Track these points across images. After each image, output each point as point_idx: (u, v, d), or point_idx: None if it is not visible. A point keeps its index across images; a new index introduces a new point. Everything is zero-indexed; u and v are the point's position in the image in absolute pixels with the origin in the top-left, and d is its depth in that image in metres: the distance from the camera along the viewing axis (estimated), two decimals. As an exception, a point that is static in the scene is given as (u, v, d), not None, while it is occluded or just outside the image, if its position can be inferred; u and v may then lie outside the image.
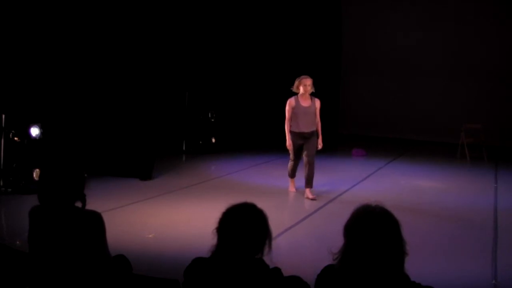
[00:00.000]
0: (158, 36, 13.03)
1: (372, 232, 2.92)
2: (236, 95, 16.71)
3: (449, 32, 18.21)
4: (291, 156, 10.37)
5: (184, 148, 14.88)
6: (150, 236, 7.72)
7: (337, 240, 3.08)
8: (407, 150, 16.77)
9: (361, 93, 19.26)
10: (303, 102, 10.13)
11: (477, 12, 17.99)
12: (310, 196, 10.11)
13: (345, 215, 3.11)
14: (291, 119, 10.11)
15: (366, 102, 19.16)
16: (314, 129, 10.19)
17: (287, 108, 10.13)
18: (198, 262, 3.39)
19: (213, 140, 15.06)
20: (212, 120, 15.12)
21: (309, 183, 10.17)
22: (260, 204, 3.42)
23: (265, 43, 17.47)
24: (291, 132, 10.14)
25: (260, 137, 16.71)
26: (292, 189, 10.73)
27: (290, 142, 10.16)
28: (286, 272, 3.45)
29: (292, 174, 10.62)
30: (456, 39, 18.14)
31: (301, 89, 10.09)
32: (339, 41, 19.28)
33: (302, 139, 10.14)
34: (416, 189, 11.66)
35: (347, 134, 18.97)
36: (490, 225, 8.90)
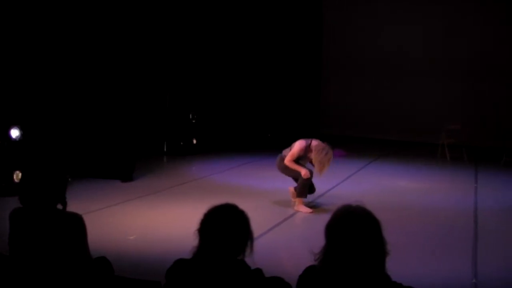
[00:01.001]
0: (139, 38, 13.01)
1: (353, 232, 2.94)
2: (217, 96, 16.71)
3: (430, 32, 18.30)
4: (304, 171, 9.34)
5: (165, 149, 14.84)
6: (131, 237, 7.71)
7: (319, 241, 3.09)
8: (388, 150, 16.83)
9: (342, 93, 19.29)
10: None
11: (458, 13, 18.09)
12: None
13: (327, 215, 3.11)
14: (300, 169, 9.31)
15: (347, 103, 19.20)
16: None
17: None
18: (180, 264, 3.39)
19: (194, 141, 15.04)
20: (193, 121, 15.10)
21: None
22: (242, 205, 3.43)
23: (246, 44, 17.48)
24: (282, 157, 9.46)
25: (241, 138, 16.72)
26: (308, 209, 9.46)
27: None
28: (268, 273, 3.45)
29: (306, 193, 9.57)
30: (437, 40, 18.23)
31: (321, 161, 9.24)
32: (320, 41, 19.32)
33: None
34: (396, 189, 11.70)
35: (328, 134, 18.97)
36: (470, 225, 8.96)
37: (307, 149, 9.30)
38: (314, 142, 9.32)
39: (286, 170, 9.52)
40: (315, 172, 9.29)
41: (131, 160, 11.51)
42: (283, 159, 9.44)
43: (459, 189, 11.94)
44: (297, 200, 9.46)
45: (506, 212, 9.96)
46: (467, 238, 8.23)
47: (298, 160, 9.40)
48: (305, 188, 9.42)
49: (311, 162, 9.44)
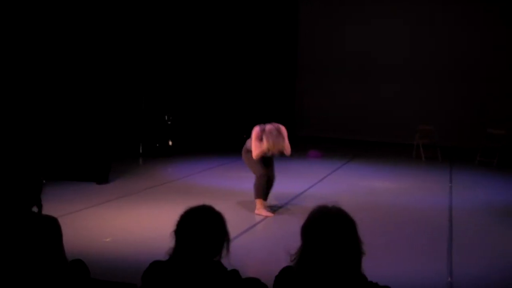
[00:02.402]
0: (114, 39, 12.95)
1: (329, 233, 2.94)
2: (192, 98, 16.69)
3: (402, 34, 18.41)
4: (260, 170, 9.30)
5: (141, 151, 14.77)
6: (107, 240, 7.68)
7: (295, 242, 3.10)
8: (363, 151, 16.90)
9: (317, 95, 19.33)
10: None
11: (430, 14, 18.21)
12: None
13: (302, 216, 3.13)
14: (257, 151, 9.10)
15: (321, 104, 19.25)
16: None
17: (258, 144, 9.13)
18: (156, 266, 3.38)
19: (170, 143, 14.99)
20: (169, 122, 15.07)
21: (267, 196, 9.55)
22: (218, 206, 3.43)
23: (221, 47, 17.48)
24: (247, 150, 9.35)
25: (217, 139, 16.72)
26: (266, 213, 9.35)
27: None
28: (244, 274, 3.46)
29: (262, 193, 9.40)
30: (410, 41, 18.35)
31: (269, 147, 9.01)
32: (295, 44, 19.36)
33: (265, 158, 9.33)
34: (372, 189, 11.76)
35: (303, 136, 19.03)
36: (445, 224, 9.04)
37: (263, 133, 9.02)
38: (268, 126, 9.09)
39: (247, 164, 9.47)
40: (266, 148, 8.98)
41: (106, 162, 11.45)
42: (246, 150, 9.34)
43: (434, 189, 12.02)
44: (256, 202, 9.32)
45: (480, 212, 10.05)
46: (442, 238, 8.30)
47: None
48: (259, 188, 9.26)
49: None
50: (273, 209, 9.61)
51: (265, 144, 8.92)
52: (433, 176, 13.43)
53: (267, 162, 9.38)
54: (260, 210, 9.25)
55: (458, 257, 7.38)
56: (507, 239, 8.49)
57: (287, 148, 9.21)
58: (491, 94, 17.68)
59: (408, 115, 17.99)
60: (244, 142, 9.44)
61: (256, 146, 9.03)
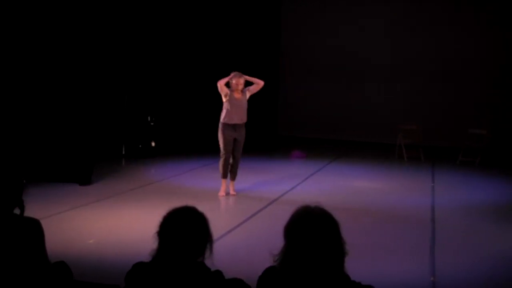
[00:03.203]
0: (96, 40, 12.92)
1: (312, 233, 2.95)
2: (175, 99, 16.66)
3: (386, 34, 18.47)
4: (222, 150, 10.57)
5: (123, 152, 14.74)
6: (90, 241, 7.66)
7: (278, 242, 3.10)
8: (346, 151, 16.94)
9: (300, 95, 19.35)
10: (235, 94, 10.54)
11: (412, 13, 18.29)
12: (233, 192, 10.79)
13: (285, 216, 3.13)
14: (224, 111, 10.55)
15: (304, 104, 19.28)
16: (245, 121, 10.66)
17: (223, 82, 10.57)
18: (139, 267, 3.38)
19: (153, 144, 14.96)
20: (152, 124, 15.04)
21: (234, 177, 10.84)
22: (201, 207, 3.43)
23: (204, 47, 17.46)
24: (224, 124, 10.52)
25: (200, 140, 16.69)
26: (223, 192, 10.75)
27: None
28: (228, 274, 3.46)
29: (225, 173, 10.71)
30: (392, 41, 18.41)
31: (233, 86, 10.53)
32: (278, 43, 19.37)
33: (234, 131, 10.54)
34: (355, 189, 11.79)
35: (286, 136, 19.06)
36: (428, 224, 9.08)
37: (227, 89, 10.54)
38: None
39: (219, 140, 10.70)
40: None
41: (89, 163, 11.41)
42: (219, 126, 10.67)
43: (416, 188, 12.08)
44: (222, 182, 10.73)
45: (462, 211, 10.11)
46: (425, 237, 8.34)
47: (231, 111, 10.47)
48: (220, 168, 10.68)
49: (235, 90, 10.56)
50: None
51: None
52: (415, 176, 13.48)
53: (233, 144, 10.62)
54: (221, 189, 10.74)
55: (440, 256, 7.42)
56: (489, 238, 8.54)
57: (255, 80, 10.76)
58: (473, 95, 17.78)
59: (391, 115, 18.04)
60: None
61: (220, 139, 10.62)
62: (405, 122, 16.34)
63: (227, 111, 10.48)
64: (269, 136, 18.55)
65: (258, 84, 10.76)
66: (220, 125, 10.57)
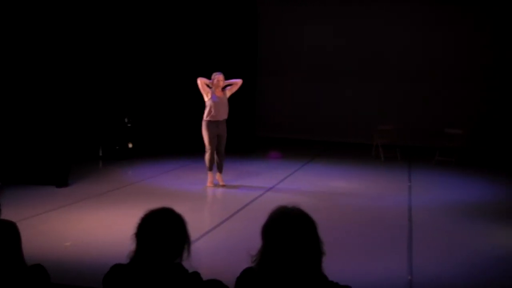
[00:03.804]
0: (72, 41, 12.85)
1: (289, 233, 2.95)
2: (152, 100, 16.62)
3: (363, 34, 18.52)
4: (207, 145, 11.35)
5: (100, 154, 14.68)
6: (67, 244, 7.62)
7: (256, 243, 3.11)
8: (323, 151, 16.98)
9: (277, 96, 19.36)
10: (217, 93, 11.34)
11: (389, 14, 18.36)
12: (222, 183, 11.59)
13: (263, 217, 3.14)
14: (206, 109, 11.31)
15: (281, 105, 19.29)
16: (226, 117, 11.52)
17: (204, 82, 11.38)
18: (116, 269, 3.37)
19: (130, 145, 14.92)
20: (129, 125, 14.99)
21: (221, 170, 11.64)
22: (178, 208, 3.43)
23: (180, 47, 17.43)
24: (207, 121, 11.30)
25: (177, 141, 16.67)
26: (210, 184, 11.56)
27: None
28: (206, 276, 3.46)
29: (211, 166, 11.48)
30: (369, 41, 18.47)
31: (214, 83, 11.34)
32: (254, 44, 19.36)
33: (217, 127, 11.34)
34: (332, 189, 11.83)
35: (263, 137, 19.06)
36: (405, 223, 9.14)
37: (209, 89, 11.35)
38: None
39: (203, 136, 11.45)
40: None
41: (66, 165, 11.36)
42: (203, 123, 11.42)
43: (393, 188, 12.14)
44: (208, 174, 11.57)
45: (439, 210, 10.18)
46: (402, 236, 8.39)
47: (213, 109, 11.24)
48: (206, 161, 11.45)
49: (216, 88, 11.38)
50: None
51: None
52: (392, 175, 13.55)
53: (217, 139, 11.42)
54: (208, 181, 11.53)
55: (417, 255, 7.47)
56: (465, 236, 8.61)
57: (232, 81, 11.58)
58: (449, 95, 17.89)
59: (367, 116, 18.10)
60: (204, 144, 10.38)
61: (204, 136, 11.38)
62: (381, 122, 16.44)
63: (210, 109, 11.25)
64: (246, 137, 18.53)
65: (236, 84, 11.58)
66: (204, 123, 11.32)
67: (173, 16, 17.15)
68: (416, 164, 15.01)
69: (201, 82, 11.34)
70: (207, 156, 11.41)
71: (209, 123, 11.30)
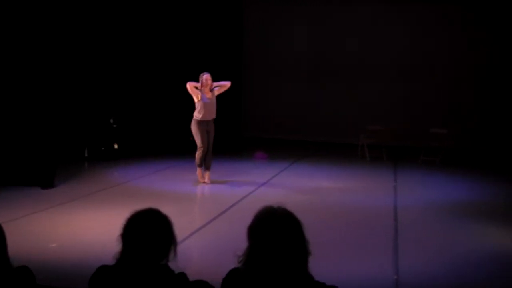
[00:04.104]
0: (57, 41, 12.82)
1: (275, 234, 2.95)
2: (137, 100, 16.59)
3: (349, 35, 18.55)
4: (199, 143, 11.68)
5: (86, 155, 14.63)
6: (53, 245, 7.59)
7: (242, 243, 3.11)
8: (309, 152, 17.00)
9: (263, 96, 19.38)
10: (206, 94, 11.63)
11: (375, 15, 18.40)
12: (208, 181, 11.95)
13: (249, 217, 3.14)
14: (197, 110, 11.65)
15: (268, 105, 19.30)
16: (214, 117, 11.87)
17: (193, 85, 11.66)
18: (102, 270, 3.36)
19: (116, 146, 14.88)
20: (114, 125, 14.95)
21: (209, 167, 11.95)
22: (165, 209, 3.42)
23: (167, 48, 17.41)
24: (198, 121, 11.65)
25: (163, 142, 16.65)
26: (202, 179, 11.95)
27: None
28: (192, 276, 3.46)
29: (201, 162, 11.82)
30: (355, 42, 18.50)
31: (203, 84, 11.63)
32: (240, 44, 19.37)
33: (207, 126, 11.74)
34: (317, 189, 11.84)
35: (249, 137, 19.07)
36: (391, 223, 9.16)
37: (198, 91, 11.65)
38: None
39: (193, 135, 11.81)
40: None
41: (51, 167, 11.31)
42: (193, 122, 11.77)
43: (379, 188, 12.17)
44: (197, 170, 11.94)
45: (424, 209, 10.23)
46: (388, 236, 8.42)
47: (203, 109, 11.60)
48: (197, 158, 11.75)
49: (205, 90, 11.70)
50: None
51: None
52: (378, 175, 13.59)
53: (206, 136, 11.77)
54: (198, 174, 11.93)
55: (403, 255, 7.50)
56: (450, 235, 8.65)
57: (221, 83, 11.91)
58: (434, 95, 17.97)
59: (353, 116, 18.16)
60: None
61: (196, 134, 11.74)
62: (367, 123, 16.49)
63: (201, 109, 11.60)
64: (233, 138, 18.53)
65: (225, 86, 11.94)
66: (195, 122, 11.70)
67: (159, 17, 17.12)
68: (401, 164, 15.06)
69: (190, 86, 11.60)
70: (199, 153, 11.72)
71: (200, 122, 11.64)
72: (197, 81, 11.59)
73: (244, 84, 19.37)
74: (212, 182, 11.80)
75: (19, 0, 11.59)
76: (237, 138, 18.89)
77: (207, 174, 11.96)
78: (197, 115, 11.67)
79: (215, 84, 11.82)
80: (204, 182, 11.91)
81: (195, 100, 11.66)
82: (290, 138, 18.77)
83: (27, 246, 7.25)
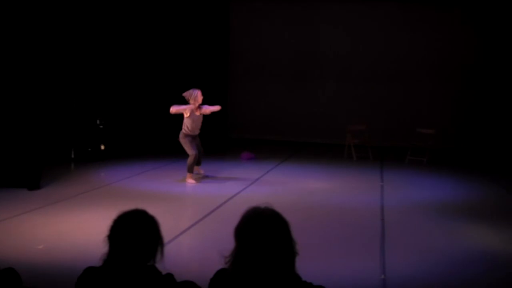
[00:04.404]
0: (43, 42, 12.78)
1: (262, 234, 2.96)
2: (124, 101, 16.56)
3: (334, 35, 18.61)
4: (191, 150, 12.02)
5: (72, 156, 14.59)
6: (40, 247, 7.56)
7: (229, 244, 3.11)
8: (296, 152, 17.02)
9: (250, 96, 19.40)
10: (196, 112, 12.07)
11: (360, 15, 18.46)
12: (203, 173, 12.76)
13: (236, 218, 3.14)
14: (187, 124, 12.09)
15: (254, 106, 19.32)
16: (199, 131, 12.40)
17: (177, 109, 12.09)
18: (90, 272, 3.36)
19: (102, 147, 14.84)
20: (101, 126, 14.92)
21: (200, 163, 12.62)
22: (151, 210, 3.42)
23: (153, 50, 17.39)
24: (187, 135, 12.09)
25: (149, 143, 16.63)
26: (193, 180, 12.19)
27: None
28: (179, 277, 3.46)
29: (193, 169, 12.22)
30: (341, 42, 18.56)
31: (198, 100, 12.05)
32: (227, 45, 19.38)
33: (194, 139, 12.22)
34: (304, 190, 11.86)
35: (236, 138, 19.08)
36: (378, 222, 9.18)
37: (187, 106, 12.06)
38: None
39: (183, 145, 12.19)
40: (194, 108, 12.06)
41: (37, 168, 11.27)
42: (181, 135, 12.15)
43: (366, 188, 12.19)
44: (188, 174, 12.12)
45: (411, 209, 10.25)
46: (375, 235, 8.43)
47: (192, 125, 12.10)
48: (191, 165, 12.05)
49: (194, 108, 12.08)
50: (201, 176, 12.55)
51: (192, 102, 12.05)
52: (364, 175, 13.61)
53: (195, 142, 12.23)
54: (188, 179, 12.10)
55: (390, 254, 7.51)
56: (437, 235, 8.68)
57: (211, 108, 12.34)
58: (420, 95, 18.05)
59: (340, 116, 18.21)
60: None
61: (186, 143, 12.13)
62: (354, 123, 16.53)
63: (190, 125, 12.07)
64: (219, 139, 18.54)
65: (214, 110, 12.45)
66: (183, 135, 12.13)
67: (144, 18, 17.10)
68: (388, 164, 15.11)
69: (175, 109, 12.09)
70: (192, 159, 12.05)
71: (188, 136, 12.13)
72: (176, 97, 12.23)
73: (230, 85, 19.38)
74: (200, 181, 11.82)
75: (1, 2, 11.55)
76: (224, 139, 18.89)
77: (199, 169, 12.66)
78: (186, 130, 12.10)
79: (209, 109, 12.25)
80: (201, 174, 12.65)
81: (185, 115, 12.06)
82: (277, 138, 18.79)
83: (13, 248, 7.23)
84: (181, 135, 12.16)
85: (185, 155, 12.29)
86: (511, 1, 17.11)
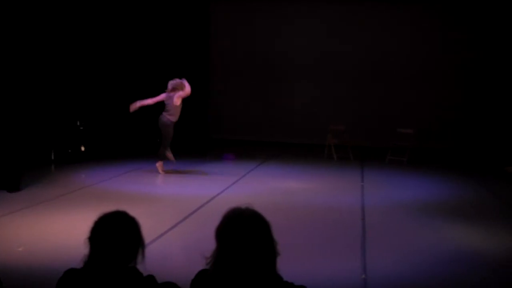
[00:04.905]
0: (23, 44, 12.72)
1: (243, 234, 2.96)
2: (104, 103, 16.50)
3: (313, 36, 18.64)
4: (168, 143, 12.60)
5: (52, 157, 14.52)
6: (19, 249, 7.53)
7: (210, 244, 3.11)
8: (276, 152, 17.03)
9: (230, 97, 19.38)
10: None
11: (339, 15, 18.52)
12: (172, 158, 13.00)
13: (217, 218, 3.14)
14: (177, 112, 12.61)
15: (235, 106, 19.32)
16: None
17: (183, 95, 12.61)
18: (70, 274, 3.34)
19: (83, 149, 14.80)
20: (81, 128, 14.86)
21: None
22: (132, 211, 3.41)
23: (132, 50, 17.35)
24: (173, 123, 12.58)
25: (129, 144, 16.59)
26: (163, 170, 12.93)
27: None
28: (160, 279, 3.45)
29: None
30: (320, 43, 18.59)
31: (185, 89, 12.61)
32: (207, 46, 19.35)
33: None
34: (285, 190, 11.88)
35: (217, 138, 19.07)
36: (358, 222, 9.22)
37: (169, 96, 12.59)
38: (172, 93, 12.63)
39: (165, 132, 12.62)
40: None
41: (17, 170, 11.21)
42: (164, 123, 12.62)
43: (346, 188, 12.24)
44: (158, 162, 12.89)
45: (392, 209, 10.31)
46: (356, 235, 8.47)
47: (178, 113, 12.62)
48: (164, 153, 12.61)
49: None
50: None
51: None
52: (345, 175, 13.67)
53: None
54: (158, 167, 12.87)
55: (371, 254, 7.56)
56: (417, 234, 8.74)
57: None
58: (400, 95, 18.12)
59: (320, 117, 18.25)
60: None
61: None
62: (334, 123, 16.57)
63: (176, 112, 12.57)
64: (200, 139, 18.52)
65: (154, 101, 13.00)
66: (172, 124, 12.60)
67: (123, 17, 17.05)
68: (368, 164, 15.17)
69: (152, 101, 12.86)
70: (166, 150, 12.63)
71: (172, 124, 12.63)
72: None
73: (211, 85, 19.36)
74: (182, 184, 11.85)
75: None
76: (205, 139, 18.88)
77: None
78: (172, 118, 12.55)
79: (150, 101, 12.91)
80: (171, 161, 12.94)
81: (177, 103, 12.50)
82: (257, 139, 18.79)
83: (-7, 250, 7.20)
84: (169, 123, 12.57)
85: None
86: (493, 1, 17.23)
